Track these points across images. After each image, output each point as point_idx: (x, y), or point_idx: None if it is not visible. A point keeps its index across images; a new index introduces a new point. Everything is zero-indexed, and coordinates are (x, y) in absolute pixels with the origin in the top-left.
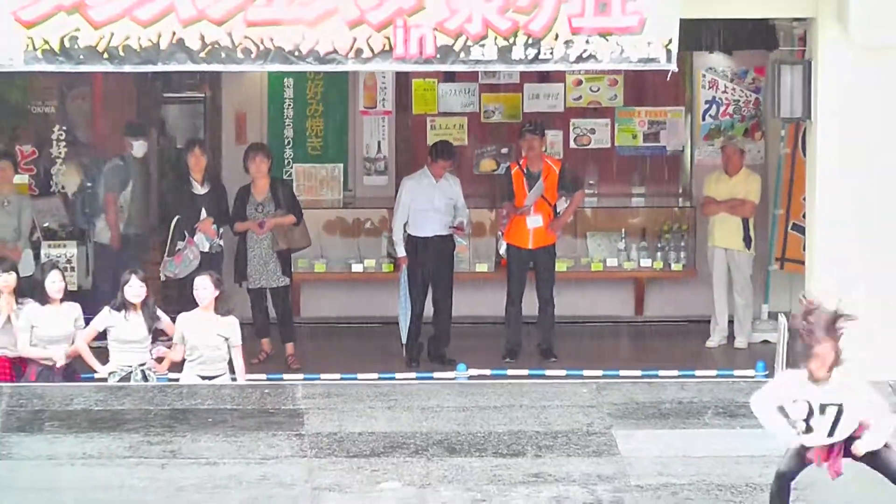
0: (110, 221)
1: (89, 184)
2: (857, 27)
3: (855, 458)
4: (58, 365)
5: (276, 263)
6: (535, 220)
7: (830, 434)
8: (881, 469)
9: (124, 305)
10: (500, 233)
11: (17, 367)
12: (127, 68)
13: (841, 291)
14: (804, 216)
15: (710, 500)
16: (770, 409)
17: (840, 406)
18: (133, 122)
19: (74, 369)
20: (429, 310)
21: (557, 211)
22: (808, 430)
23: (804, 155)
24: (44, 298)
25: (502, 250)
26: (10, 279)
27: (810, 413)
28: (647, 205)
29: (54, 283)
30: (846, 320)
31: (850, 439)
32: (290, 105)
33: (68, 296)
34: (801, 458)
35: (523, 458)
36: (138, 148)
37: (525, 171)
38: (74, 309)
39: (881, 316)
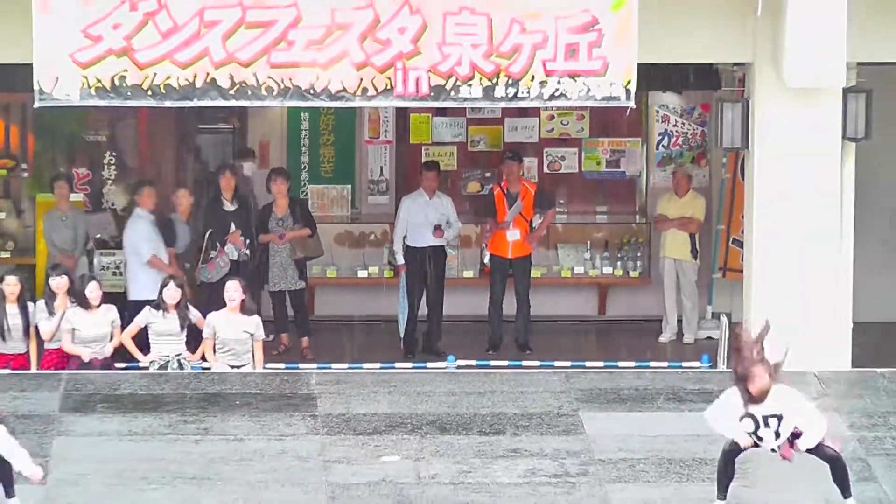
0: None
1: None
2: (788, 72)
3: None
4: (107, 354)
5: (293, 269)
6: (513, 234)
7: (778, 437)
8: (814, 453)
9: (162, 305)
10: (484, 244)
11: (71, 357)
12: (167, 104)
13: (774, 296)
14: (742, 232)
15: (662, 472)
16: (721, 421)
17: (780, 415)
18: (244, 147)
19: (111, 363)
20: (423, 310)
21: (533, 226)
22: (759, 438)
23: (742, 179)
24: (85, 304)
25: (486, 259)
26: (63, 282)
27: (757, 426)
28: (609, 221)
29: (92, 293)
30: (766, 334)
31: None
32: (305, 135)
33: (117, 298)
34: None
35: (503, 436)
36: (247, 169)
37: (505, 192)
38: (111, 311)
39: (808, 316)
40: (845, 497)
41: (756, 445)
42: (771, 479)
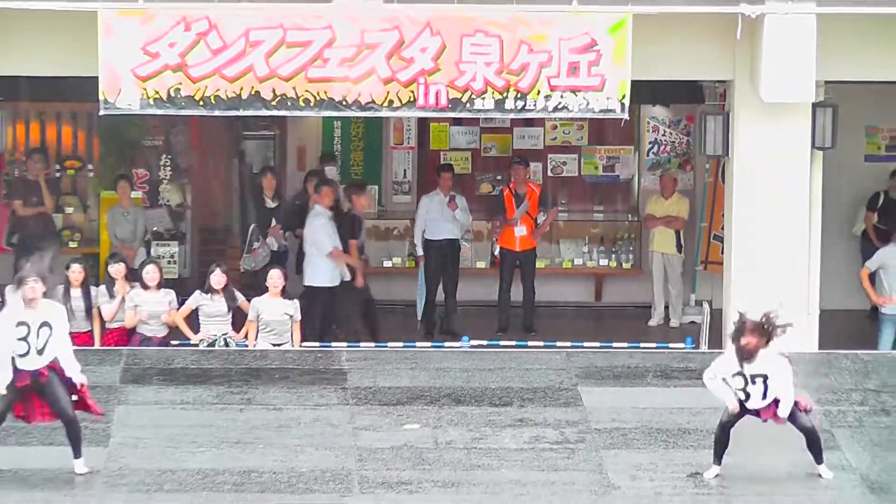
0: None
1: (297, 202)
2: (764, 88)
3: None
4: (158, 335)
5: None
6: (521, 230)
7: (764, 397)
8: (793, 423)
9: (210, 289)
10: (494, 238)
11: (130, 336)
12: (216, 113)
13: (750, 285)
14: (722, 229)
15: (651, 440)
16: (717, 382)
17: (765, 375)
18: (326, 151)
19: (168, 341)
20: (440, 296)
21: (538, 223)
22: (747, 395)
23: (723, 182)
24: (144, 286)
25: (496, 252)
26: (120, 268)
27: (746, 383)
28: (605, 219)
29: (148, 274)
30: (775, 323)
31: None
32: (338, 141)
33: (171, 284)
34: (738, 413)
35: (511, 408)
36: (329, 171)
37: (514, 192)
38: (168, 294)
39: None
40: (818, 463)
41: (742, 410)
42: (747, 448)
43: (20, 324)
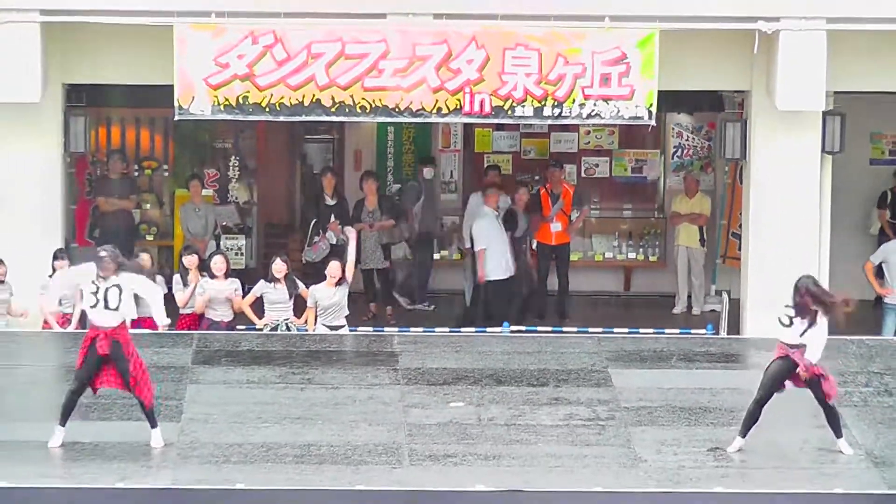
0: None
1: (397, 197)
2: (778, 97)
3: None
4: (225, 319)
5: (380, 252)
6: (556, 226)
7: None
8: (814, 393)
9: (273, 278)
10: (532, 234)
11: (200, 321)
12: (281, 118)
13: (765, 277)
14: (740, 226)
15: (674, 417)
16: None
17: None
18: (425, 156)
19: (234, 325)
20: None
21: (571, 220)
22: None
23: (741, 183)
24: (212, 275)
25: (534, 246)
26: (193, 259)
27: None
28: (634, 216)
29: (215, 264)
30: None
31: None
32: (391, 144)
33: (238, 274)
34: (775, 388)
35: (547, 387)
36: (427, 173)
37: (549, 192)
38: (234, 283)
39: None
40: (837, 437)
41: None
42: (763, 426)
43: (92, 283)
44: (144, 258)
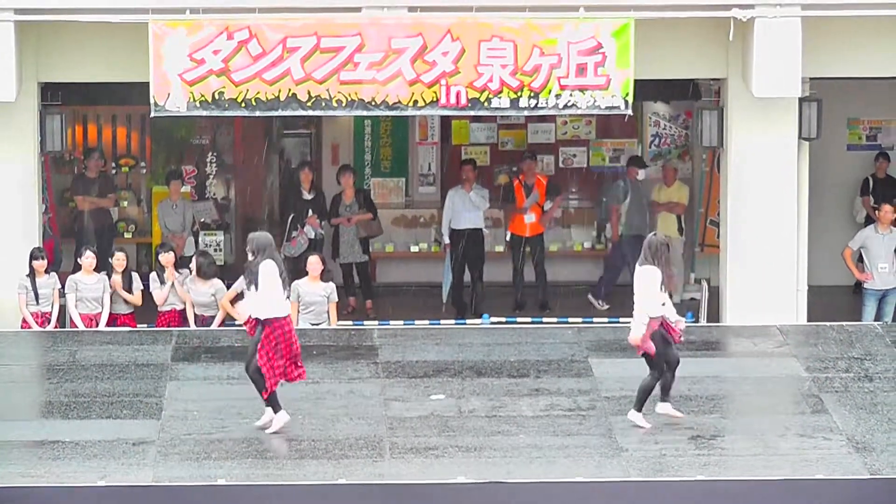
0: (613, 224)
1: (604, 198)
2: (754, 84)
3: None
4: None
5: (359, 246)
6: (530, 217)
7: None
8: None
9: None
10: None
11: (184, 318)
12: (257, 114)
13: (743, 265)
14: (718, 214)
15: (655, 406)
16: None
17: None
18: (635, 155)
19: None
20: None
21: (545, 210)
22: None
23: (718, 171)
24: (198, 273)
25: (507, 237)
26: (169, 257)
27: None
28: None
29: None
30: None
31: None
32: (368, 138)
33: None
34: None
35: (527, 378)
36: (642, 174)
37: (523, 183)
38: (216, 282)
39: (772, 280)
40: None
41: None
42: (743, 412)
43: None
44: (119, 257)
